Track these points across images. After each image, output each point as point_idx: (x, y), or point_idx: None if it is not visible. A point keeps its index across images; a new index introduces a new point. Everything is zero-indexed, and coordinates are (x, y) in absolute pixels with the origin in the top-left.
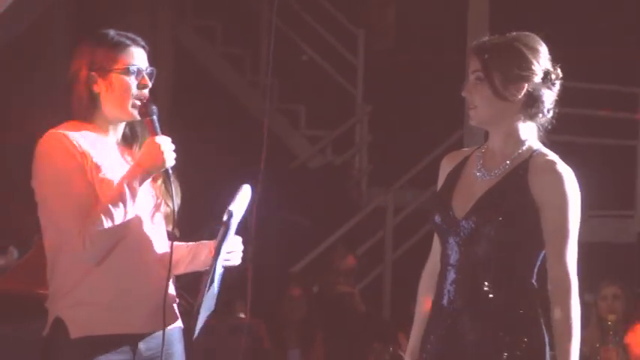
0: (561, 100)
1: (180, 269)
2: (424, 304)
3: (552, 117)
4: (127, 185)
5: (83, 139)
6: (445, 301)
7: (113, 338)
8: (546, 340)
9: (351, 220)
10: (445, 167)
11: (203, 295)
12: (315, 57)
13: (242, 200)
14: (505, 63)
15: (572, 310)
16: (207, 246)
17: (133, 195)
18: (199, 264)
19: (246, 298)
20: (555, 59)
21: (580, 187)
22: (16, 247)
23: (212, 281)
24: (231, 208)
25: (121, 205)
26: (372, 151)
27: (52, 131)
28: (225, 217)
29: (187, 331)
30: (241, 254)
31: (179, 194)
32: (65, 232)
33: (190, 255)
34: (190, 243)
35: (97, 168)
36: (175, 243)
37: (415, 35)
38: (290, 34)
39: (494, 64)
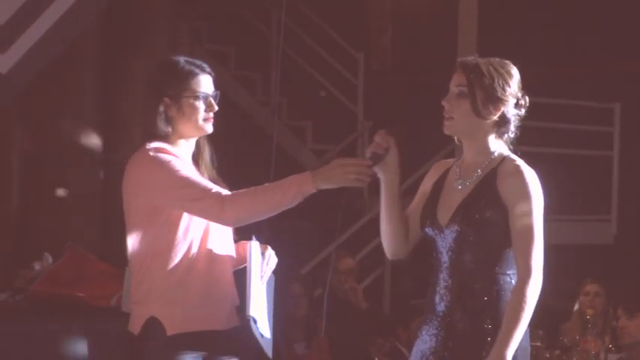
0: (548, 116)
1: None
2: None
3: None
4: (299, 190)
5: (169, 154)
6: (437, 300)
7: (202, 334)
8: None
9: (354, 226)
10: (433, 174)
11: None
12: (319, 78)
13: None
14: (489, 84)
15: (526, 300)
16: (244, 245)
17: (292, 201)
18: (242, 262)
19: None
20: (541, 78)
21: (563, 193)
22: (50, 253)
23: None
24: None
25: (276, 200)
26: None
27: (149, 145)
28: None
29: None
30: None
31: None
32: (200, 198)
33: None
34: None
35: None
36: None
37: (409, 58)
38: (297, 59)
39: (479, 83)
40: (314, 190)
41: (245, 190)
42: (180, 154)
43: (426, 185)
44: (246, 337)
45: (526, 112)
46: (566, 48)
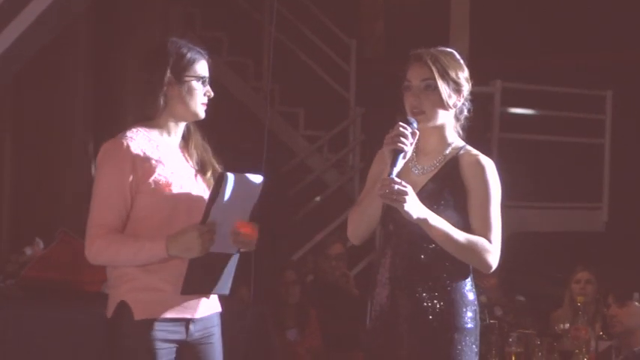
0: (539, 104)
1: None
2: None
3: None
4: (149, 252)
5: (147, 143)
6: (387, 275)
7: (170, 321)
8: (475, 310)
9: (345, 212)
10: (381, 160)
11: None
12: (312, 64)
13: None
14: (454, 74)
15: (475, 246)
16: None
17: (146, 262)
18: None
19: (250, 284)
20: (533, 66)
21: (554, 181)
22: (41, 238)
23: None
24: (227, 173)
25: (130, 258)
26: (364, 149)
27: (117, 137)
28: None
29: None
30: (255, 241)
31: None
32: (87, 228)
33: None
34: None
35: (153, 171)
36: None
37: (402, 45)
38: (289, 45)
39: (447, 74)
40: (166, 256)
41: (117, 236)
42: (158, 140)
43: (375, 170)
44: (225, 323)
45: (519, 100)
46: (558, 36)
